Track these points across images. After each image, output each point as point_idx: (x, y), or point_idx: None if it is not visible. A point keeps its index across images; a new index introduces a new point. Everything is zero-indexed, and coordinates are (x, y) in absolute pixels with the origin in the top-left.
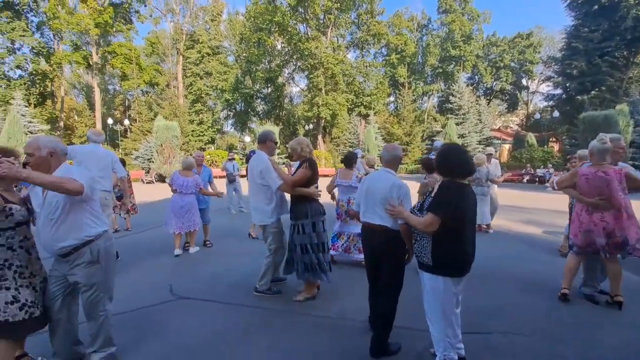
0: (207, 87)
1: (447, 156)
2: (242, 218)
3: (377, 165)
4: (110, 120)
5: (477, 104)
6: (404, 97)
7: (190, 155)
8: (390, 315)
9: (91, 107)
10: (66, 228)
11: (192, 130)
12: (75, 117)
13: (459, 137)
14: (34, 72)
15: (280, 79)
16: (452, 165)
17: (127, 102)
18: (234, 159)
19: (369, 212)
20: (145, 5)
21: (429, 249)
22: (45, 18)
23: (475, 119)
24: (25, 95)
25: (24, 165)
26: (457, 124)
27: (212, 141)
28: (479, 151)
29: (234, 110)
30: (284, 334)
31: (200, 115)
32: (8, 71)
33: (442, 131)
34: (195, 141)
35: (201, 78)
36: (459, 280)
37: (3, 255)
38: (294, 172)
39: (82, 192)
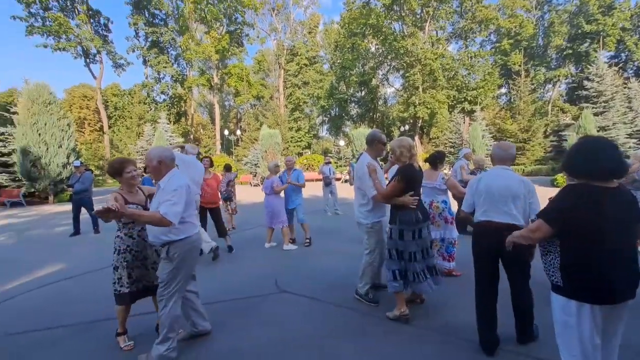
0: (305, 95)
1: (575, 151)
2: (338, 220)
3: (487, 166)
4: (226, 132)
5: (625, 87)
6: (519, 87)
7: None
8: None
9: (212, 121)
10: (162, 228)
11: (291, 137)
12: (201, 131)
13: (598, 130)
14: (173, 95)
15: (373, 81)
16: (576, 163)
17: (238, 115)
18: (330, 162)
19: (493, 210)
20: (253, 29)
21: (557, 265)
22: (180, 51)
23: (622, 107)
24: (167, 115)
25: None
26: (595, 115)
27: (309, 146)
28: (631, 148)
29: (329, 116)
30: (379, 343)
31: (298, 122)
32: (156, 96)
33: (573, 124)
34: (294, 146)
35: (299, 88)
36: (602, 309)
37: (126, 242)
38: (390, 179)
39: (170, 225)
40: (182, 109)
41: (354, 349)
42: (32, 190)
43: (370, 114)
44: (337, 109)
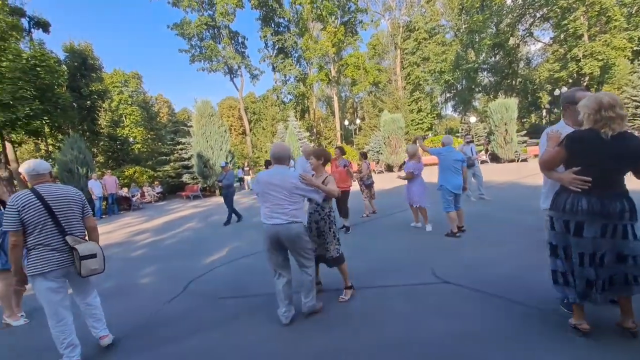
0: (425, 72)
1: None
2: (486, 205)
3: None
4: (346, 122)
5: None
6: None
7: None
8: None
9: (332, 113)
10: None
11: (412, 120)
12: (321, 124)
13: None
14: (297, 94)
15: (511, 41)
16: None
17: (355, 104)
18: (472, 141)
19: None
20: (367, 14)
21: None
22: (301, 52)
23: None
24: (295, 113)
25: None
26: None
27: (431, 127)
28: None
29: (454, 91)
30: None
31: (419, 103)
32: (283, 98)
33: None
34: (415, 129)
35: (418, 65)
36: None
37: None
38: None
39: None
40: (305, 106)
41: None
42: (205, 185)
43: (508, 81)
44: (464, 81)
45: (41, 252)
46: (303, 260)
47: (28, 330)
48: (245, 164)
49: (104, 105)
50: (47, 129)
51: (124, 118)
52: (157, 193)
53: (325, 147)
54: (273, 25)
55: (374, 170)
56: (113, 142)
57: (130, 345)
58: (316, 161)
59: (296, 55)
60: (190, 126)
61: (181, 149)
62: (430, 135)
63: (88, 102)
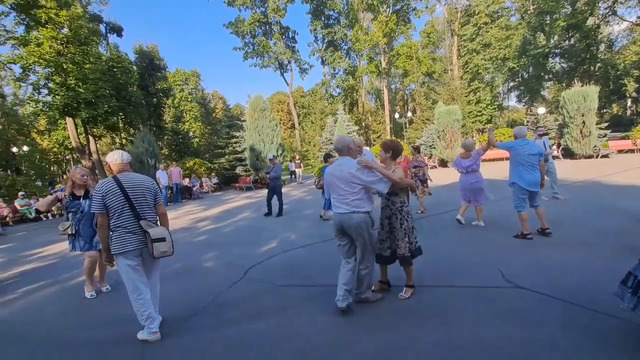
0: (485, 60)
1: None
2: (561, 206)
3: None
4: (396, 115)
5: None
6: None
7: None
8: None
9: (382, 106)
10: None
11: (469, 112)
12: (369, 118)
13: None
14: (346, 88)
15: (589, 21)
16: None
17: (405, 96)
18: (545, 134)
19: None
20: (421, 0)
21: None
22: (350, 44)
23: None
24: (343, 106)
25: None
26: None
27: (490, 120)
28: None
29: (519, 79)
30: None
31: (477, 93)
32: (332, 91)
33: None
34: (473, 122)
35: (477, 53)
36: None
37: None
38: None
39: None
40: (354, 99)
41: None
42: (257, 178)
43: (585, 67)
44: (531, 68)
45: (121, 234)
46: (364, 251)
47: (114, 301)
48: (297, 157)
49: (168, 102)
50: (121, 124)
51: (184, 114)
52: (214, 184)
53: (374, 141)
54: (323, 19)
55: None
56: (176, 136)
57: (198, 323)
58: (384, 154)
59: (345, 47)
60: (244, 120)
61: (235, 142)
62: (488, 128)
63: (154, 99)
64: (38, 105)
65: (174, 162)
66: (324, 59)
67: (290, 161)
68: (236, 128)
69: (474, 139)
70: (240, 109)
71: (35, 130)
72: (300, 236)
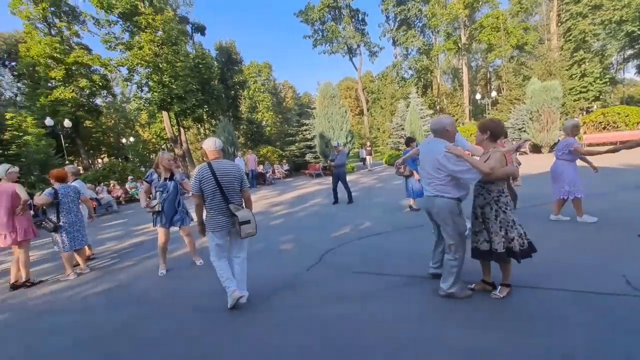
0: (595, 25)
1: None
2: None
3: None
4: (477, 95)
5: None
6: None
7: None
8: None
9: (459, 87)
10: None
11: (571, 88)
12: (444, 100)
13: None
14: (419, 69)
15: None
16: None
17: (487, 74)
18: None
19: None
20: None
21: None
22: (426, 20)
23: None
24: (416, 89)
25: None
26: None
27: (598, 97)
28: None
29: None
30: None
31: (582, 66)
32: (404, 74)
33: None
34: (575, 99)
35: (584, 17)
36: None
37: None
38: None
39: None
40: (428, 81)
41: None
42: (326, 165)
43: None
44: None
45: (213, 215)
46: (448, 239)
47: (205, 276)
48: (367, 144)
49: (243, 94)
50: (205, 116)
51: (257, 104)
52: (285, 170)
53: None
54: None
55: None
56: (251, 125)
57: (279, 302)
58: (480, 135)
59: (420, 25)
60: (313, 108)
61: (305, 130)
62: (595, 107)
63: (232, 92)
64: (140, 101)
65: (249, 150)
66: (395, 39)
67: (361, 148)
68: (306, 116)
69: (578, 118)
70: (308, 97)
71: (138, 124)
72: (373, 224)
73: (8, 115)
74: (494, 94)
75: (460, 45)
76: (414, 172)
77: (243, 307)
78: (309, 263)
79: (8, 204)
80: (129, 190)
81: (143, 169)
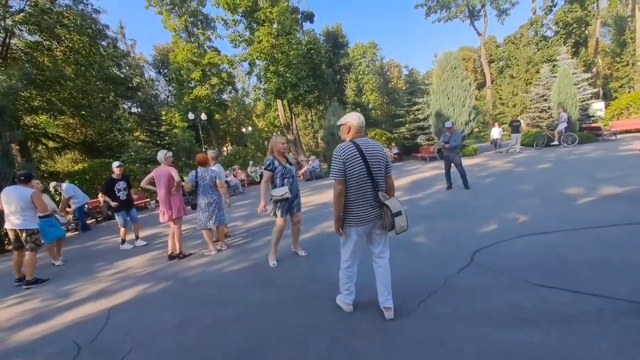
0: None
1: None
2: None
3: None
4: None
5: None
6: None
7: None
8: None
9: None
10: None
11: None
12: (600, 61)
13: None
14: (569, 22)
15: None
16: None
17: None
18: None
19: None
20: None
21: None
22: None
23: None
24: (566, 49)
25: None
26: None
27: None
28: None
29: None
30: None
31: None
32: (545, 32)
33: None
34: None
35: None
36: None
37: None
38: None
39: None
40: (581, 37)
41: None
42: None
43: None
44: None
45: (358, 206)
46: None
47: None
48: (496, 124)
49: (349, 77)
50: (314, 102)
51: (363, 86)
52: (394, 154)
53: (623, 92)
54: None
55: None
56: (357, 108)
57: (433, 310)
58: None
59: None
60: (429, 84)
61: (417, 110)
62: None
63: (338, 76)
64: (259, 91)
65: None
66: None
67: (495, 126)
68: (418, 94)
69: None
70: (416, 74)
71: (255, 114)
72: (532, 218)
73: (163, 112)
74: None
75: None
76: None
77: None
78: (457, 263)
79: (166, 184)
80: (249, 174)
81: (260, 154)
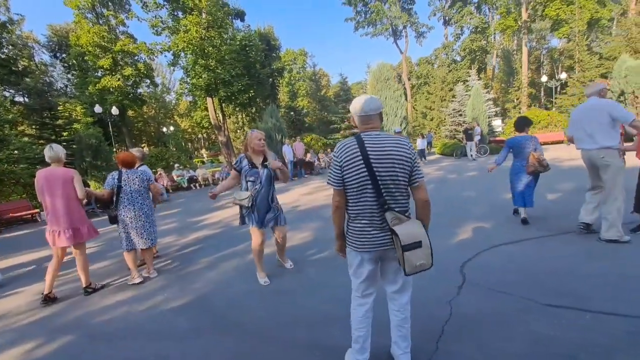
0: None
1: None
2: None
3: None
4: (543, 78)
5: None
6: None
7: None
8: None
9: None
10: None
11: None
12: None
13: None
14: (473, 49)
15: None
16: None
17: (541, 57)
18: None
19: None
20: None
21: None
22: None
23: None
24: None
25: None
26: None
27: None
28: None
29: None
30: None
31: None
32: (455, 56)
33: None
34: None
35: None
36: None
37: None
38: None
39: None
40: (482, 65)
41: None
42: None
43: None
44: None
45: (359, 226)
46: None
47: (319, 289)
48: (420, 136)
49: (282, 81)
50: (247, 102)
51: (297, 91)
52: (331, 160)
53: (516, 112)
54: None
55: None
56: (291, 112)
57: (456, 352)
58: None
59: (475, 0)
60: (364, 93)
61: (351, 117)
62: None
63: (271, 79)
64: (186, 86)
65: (298, 137)
66: (447, 18)
67: (423, 137)
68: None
69: None
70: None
71: (177, 114)
72: (495, 225)
73: (60, 103)
74: (563, 75)
75: (520, 23)
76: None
77: None
78: (450, 281)
79: (65, 193)
80: (175, 178)
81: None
